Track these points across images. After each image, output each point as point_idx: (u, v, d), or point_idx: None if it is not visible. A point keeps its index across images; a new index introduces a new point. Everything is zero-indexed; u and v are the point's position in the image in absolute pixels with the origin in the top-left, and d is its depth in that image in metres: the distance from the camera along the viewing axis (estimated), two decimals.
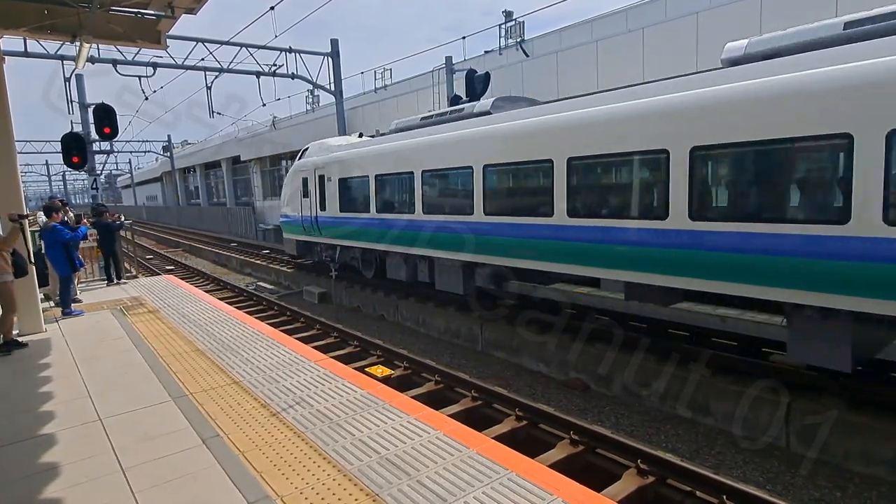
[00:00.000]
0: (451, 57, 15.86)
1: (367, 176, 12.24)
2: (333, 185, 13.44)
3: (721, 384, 6.96)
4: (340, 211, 13.32)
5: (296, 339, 7.89)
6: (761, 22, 10.55)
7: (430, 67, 19.41)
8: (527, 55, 16.11)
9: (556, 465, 5.41)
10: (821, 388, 6.50)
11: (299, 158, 15.03)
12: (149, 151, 47.14)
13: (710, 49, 11.31)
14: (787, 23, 7.24)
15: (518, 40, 17.39)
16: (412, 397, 7.02)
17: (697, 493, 4.86)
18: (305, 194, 14.49)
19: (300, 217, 14.96)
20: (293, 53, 22.18)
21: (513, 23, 17.50)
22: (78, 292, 10.29)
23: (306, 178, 14.52)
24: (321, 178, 13.86)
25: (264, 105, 24.15)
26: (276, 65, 22.51)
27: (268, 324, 9.37)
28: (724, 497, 4.59)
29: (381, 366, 8.53)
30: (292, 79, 22.62)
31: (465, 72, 15.09)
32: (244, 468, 3.71)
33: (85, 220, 10.89)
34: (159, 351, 6.59)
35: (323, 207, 13.90)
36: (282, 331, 8.77)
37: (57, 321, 8.50)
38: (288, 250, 17.13)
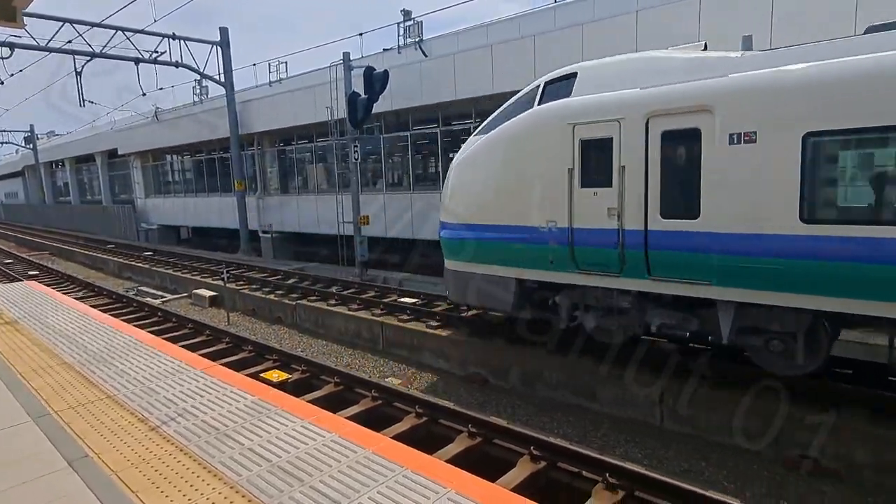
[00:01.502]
0: (348, 53, 15.60)
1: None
2: (768, 150, 5.55)
3: (604, 372, 7.47)
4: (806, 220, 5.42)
5: (181, 346, 7.37)
6: (637, 41, 11.45)
7: (326, 63, 19.01)
8: (425, 55, 16.26)
9: (455, 458, 5.52)
10: (688, 370, 7.18)
11: (541, 100, 7.38)
12: (6, 143, 41.74)
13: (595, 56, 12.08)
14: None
15: (417, 40, 17.50)
16: (311, 401, 6.84)
17: (584, 473, 5.18)
18: (594, 179, 6.77)
19: (546, 229, 7.20)
20: (177, 40, 20.70)
21: (411, 22, 17.58)
22: None
23: (598, 142, 6.68)
24: (668, 136, 6.20)
25: (145, 95, 22.25)
26: (157, 51, 20.88)
27: (149, 331, 8.69)
28: (607, 475, 4.93)
29: (277, 370, 8.21)
30: (176, 67, 21.10)
31: (363, 69, 14.91)
32: (118, 489, 3.40)
33: None
34: (17, 366, 5.85)
35: (644, 210, 6.41)
36: (165, 338, 8.17)
37: None
38: (455, 295, 8.79)
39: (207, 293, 14.69)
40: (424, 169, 19.18)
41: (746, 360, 6.80)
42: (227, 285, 14.01)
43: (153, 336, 7.14)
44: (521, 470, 5.28)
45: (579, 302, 7.51)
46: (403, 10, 18.53)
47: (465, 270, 8.37)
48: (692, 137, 6.04)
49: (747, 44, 6.43)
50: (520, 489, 4.98)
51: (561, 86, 7.33)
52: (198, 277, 16.70)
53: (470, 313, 10.33)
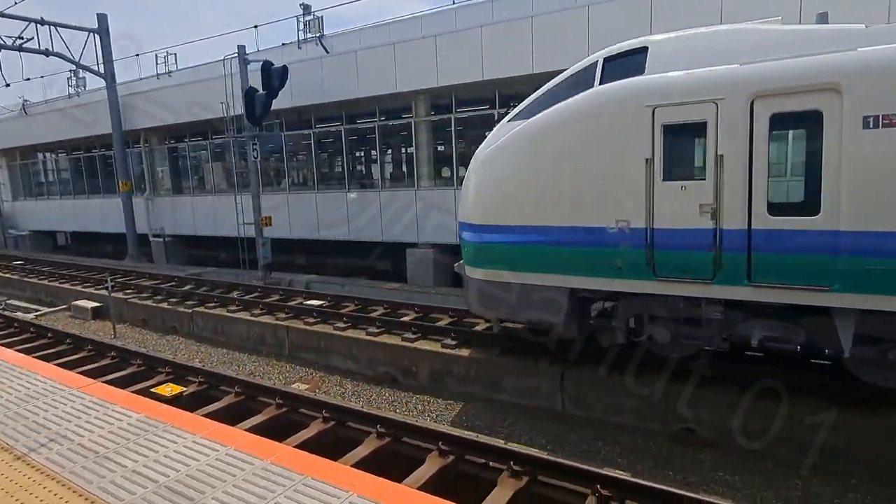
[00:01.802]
0: (244, 46, 14.86)
1: None
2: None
3: (510, 363, 7.71)
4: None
5: (56, 364, 6.67)
6: (533, 52, 11.92)
7: (220, 55, 18.01)
8: (327, 51, 15.88)
9: (364, 460, 5.46)
10: (591, 359, 7.58)
11: (602, 80, 6.33)
12: None
13: (494, 57, 12.44)
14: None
15: (318, 35, 17.05)
16: (208, 414, 6.48)
17: (490, 463, 5.32)
18: (681, 170, 5.83)
19: (615, 230, 6.10)
20: (47, 26, 18.70)
21: (311, 17, 17.10)
22: None
23: (689, 126, 5.69)
24: (779, 119, 5.35)
25: (8, 86, 19.91)
26: (22, 38, 18.74)
27: (17, 350, 7.81)
28: (511, 462, 5.09)
29: (170, 384, 7.66)
30: (47, 56, 19.05)
31: (260, 63, 14.28)
32: None
33: None
34: None
35: (748, 206, 5.50)
36: (37, 357, 7.36)
37: None
38: (481, 308, 7.52)
39: (89, 304, 13.41)
40: (330, 167, 18.76)
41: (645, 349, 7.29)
42: (113, 294, 12.86)
43: (22, 355, 6.41)
44: (430, 466, 5.32)
45: (645, 313, 6.46)
46: (302, 3, 17.98)
47: (498, 280, 6.93)
48: (811, 121, 5.18)
49: (822, 20, 5.83)
50: (429, 485, 5.02)
51: (626, 62, 6.19)
52: (78, 287, 15.20)
53: (378, 312, 10.26)
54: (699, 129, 5.63)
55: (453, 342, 8.41)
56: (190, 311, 11.84)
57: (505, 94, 13.32)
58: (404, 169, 17.08)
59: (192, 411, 5.36)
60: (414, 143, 14.77)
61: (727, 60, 5.56)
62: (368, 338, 9.11)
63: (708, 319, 6.06)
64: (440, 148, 15.78)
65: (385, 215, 15.24)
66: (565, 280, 6.50)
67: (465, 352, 8.17)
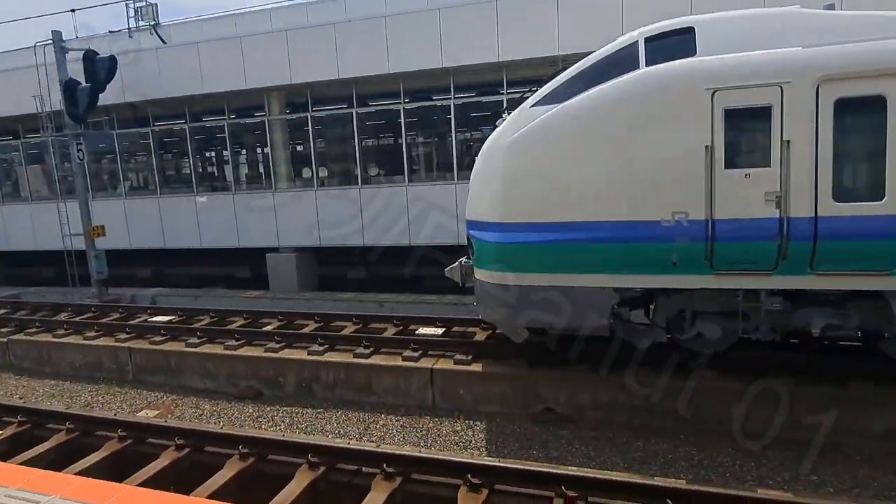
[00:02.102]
0: (60, 32, 12.97)
1: None
2: None
3: (377, 364, 7.67)
4: None
5: None
6: (388, 54, 11.94)
7: (29, 43, 15.52)
8: (164, 42, 14.45)
9: (226, 486, 5.07)
10: (455, 348, 7.81)
11: (643, 59, 5.92)
12: None
13: (348, 56, 12.26)
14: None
15: (152, 23, 15.43)
16: (29, 460, 5.60)
17: (363, 468, 5.23)
18: (744, 158, 5.54)
19: (671, 223, 5.68)
20: None
21: (143, 3, 15.42)
22: None
23: (752, 111, 5.45)
24: (844, 104, 5.28)
25: None
26: None
27: None
28: (384, 465, 5.06)
29: None
30: None
31: (82, 52, 12.59)
32: None
33: None
34: None
35: (814, 193, 5.37)
36: None
37: None
38: (501, 316, 6.71)
39: None
40: (176, 169, 17.20)
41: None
42: None
43: None
44: (300, 481, 5.09)
45: (691, 308, 6.12)
46: None
47: (527, 284, 6.23)
48: (875, 106, 5.17)
49: (830, 9, 5.87)
50: (301, 501, 4.82)
51: (673, 43, 5.77)
52: None
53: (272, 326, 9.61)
54: (764, 113, 5.39)
55: (321, 348, 8.16)
56: (5, 339, 10.10)
57: (362, 94, 13.21)
58: (261, 170, 16.19)
59: (6, 459, 4.57)
60: (269, 143, 14.05)
61: (784, 43, 5.40)
62: (227, 352, 8.49)
63: (766, 311, 5.85)
64: (299, 148, 15.21)
65: (240, 219, 14.31)
66: (611, 280, 5.99)
67: (334, 356, 7.97)
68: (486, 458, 5.25)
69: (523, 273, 6.21)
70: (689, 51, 5.67)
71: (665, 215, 5.66)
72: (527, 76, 11.58)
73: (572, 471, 4.87)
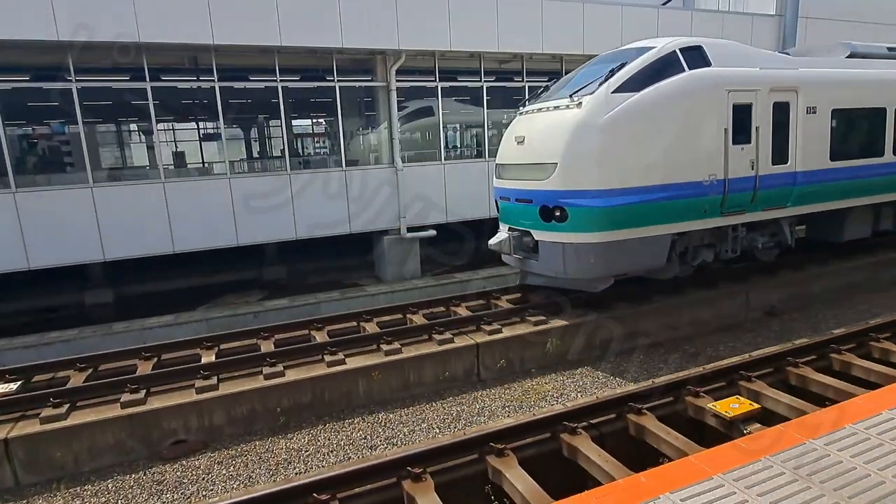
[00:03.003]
0: None
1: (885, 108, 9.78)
2: (820, 118, 8.86)
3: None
4: (832, 159, 9.12)
5: None
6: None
7: None
8: None
9: None
10: None
11: (685, 64, 7.73)
12: None
13: None
14: None
15: None
16: None
17: None
18: (740, 137, 8.05)
19: (706, 183, 7.80)
20: None
21: None
22: None
23: (744, 107, 8.03)
24: (786, 106, 8.47)
25: None
26: None
27: None
28: None
29: None
30: None
31: None
32: None
33: None
34: None
35: (784, 158, 8.54)
36: None
37: None
38: (589, 271, 7.66)
39: None
40: None
41: None
42: None
43: None
44: None
45: (697, 242, 8.44)
46: None
47: (617, 239, 7.45)
48: (786, 107, 8.52)
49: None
50: None
51: (696, 55, 7.87)
52: None
53: None
54: (749, 108, 8.08)
55: None
56: None
57: None
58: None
59: None
60: None
61: (750, 64, 8.24)
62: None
63: (735, 237, 8.65)
64: None
65: None
66: (670, 228, 7.77)
67: None
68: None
69: (617, 230, 7.39)
70: (707, 62, 7.85)
71: (704, 177, 7.80)
72: None
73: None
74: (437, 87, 12.37)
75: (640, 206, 7.38)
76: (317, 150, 21.42)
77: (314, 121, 21.06)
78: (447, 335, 7.24)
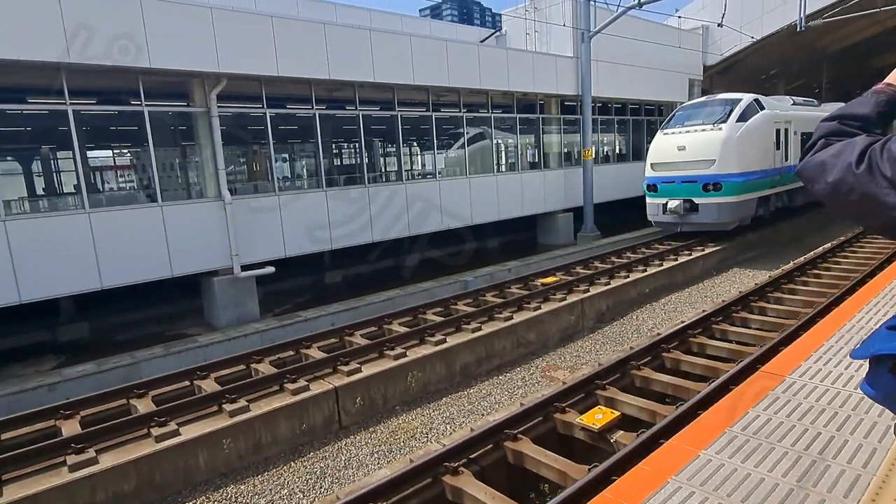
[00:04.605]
0: None
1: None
2: (797, 136, 16.09)
3: None
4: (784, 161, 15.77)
5: None
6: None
7: None
8: None
9: None
10: None
11: (738, 115, 14.18)
12: None
13: None
14: None
15: None
16: None
17: None
18: (777, 145, 15.24)
19: (768, 170, 14.90)
20: None
21: None
22: None
23: (779, 130, 15.37)
24: (787, 130, 15.71)
25: None
26: None
27: None
28: None
29: None
30: None
31: None
32: None
33: None
34: None
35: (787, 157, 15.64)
36: None
37: None
38: (730, 217, 14.20)
39: None
40: None
41: None
42: None
43: None
44: None
45: (763, 203, 15.30)
46: None
47: (739, 200, 13.89)
48: (790, 130, 16.02)
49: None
50: None
51: (758, 103, 14.69)
52: None
53: None
54: (786, 131, 15.50)
55: None
56: None
57: None
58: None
59: None
60: None
61: (784, 108, 15.90)
62: None
63: (775, 197, 15.78)
64: None
65: None
66: (758, 194, 14.55)
67: None
68: None
69: (743, 195, 13.97)
70: (763, 107, 14.50)
71: (771, 165, 14.74)
72: None
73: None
74: (265, 114, 11.54)
75: (752, 182, 14.11)
76: (122, 186, 18.77)
77: (116, 152, 18.59)
78: (301, 383, 6.53)
